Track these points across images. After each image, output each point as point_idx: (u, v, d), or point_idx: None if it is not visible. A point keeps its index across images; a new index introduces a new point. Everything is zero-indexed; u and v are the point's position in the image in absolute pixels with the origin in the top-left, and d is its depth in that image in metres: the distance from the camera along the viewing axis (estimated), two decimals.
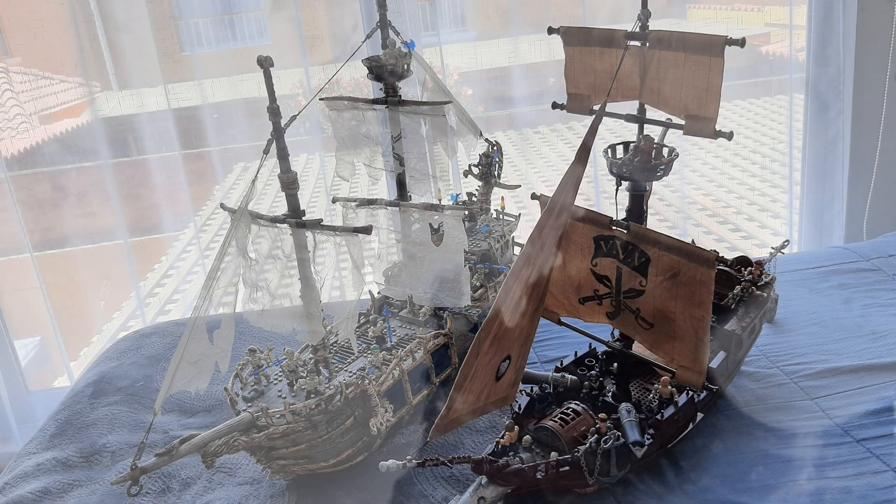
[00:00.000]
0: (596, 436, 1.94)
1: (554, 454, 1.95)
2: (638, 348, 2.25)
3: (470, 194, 3.13)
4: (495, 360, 1.85)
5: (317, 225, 1.96)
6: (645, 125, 2.12)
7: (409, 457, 1.76)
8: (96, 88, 4.03)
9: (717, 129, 1.94)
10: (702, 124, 1.96)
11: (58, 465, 2.44)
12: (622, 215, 2.12)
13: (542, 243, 1.80)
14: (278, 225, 2.00)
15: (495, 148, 3.03)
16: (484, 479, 1.90)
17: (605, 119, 1.89)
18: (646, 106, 2.11)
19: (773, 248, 2.84)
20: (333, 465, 2.18)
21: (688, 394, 2.17)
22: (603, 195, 4.28)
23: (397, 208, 2.57)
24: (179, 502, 2.22)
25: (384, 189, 3.79)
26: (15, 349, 4.14)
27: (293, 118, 1.95)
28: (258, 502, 2.18)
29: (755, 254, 3.45)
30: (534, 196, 2.12)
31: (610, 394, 2.21)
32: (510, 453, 1.97)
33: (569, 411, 2.06)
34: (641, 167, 2.05)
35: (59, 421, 2.69)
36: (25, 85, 4.07)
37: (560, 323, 2.33)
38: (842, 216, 4.25)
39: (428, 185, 2.65)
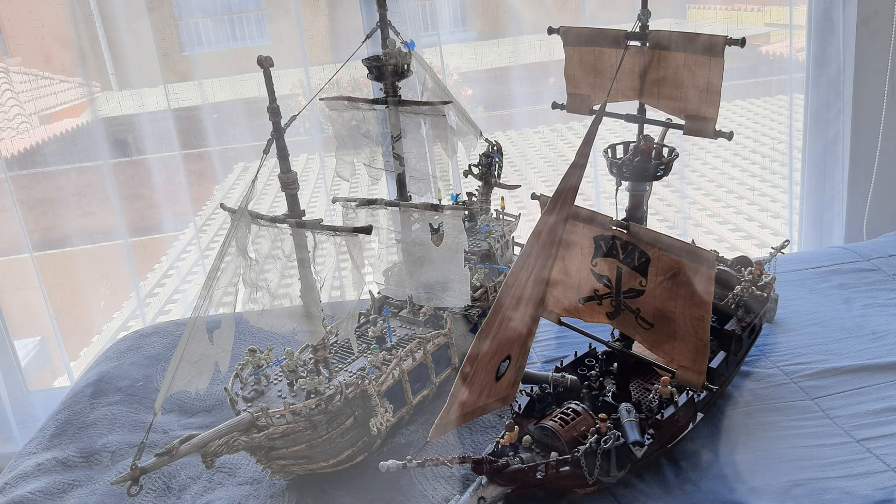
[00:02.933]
0: (596, 436, 1.94)
1: (554, 454, 1.95)
2: (638, 348, 2.25)
3: (470, 194, 3.13)
4: (495, 360, 1.85)
5: (317, 225, 1.96)
6: (645, 125, 2.12)
7: (409, 457, 1.76)
8: (96, 88, 4.03)
9: (717, 129, 1.94)
10: (702, 124, 1.96)
11: (58, 465, 2.44)
12: (622, 215, 2.12)
13: (542, 243, 1.80)
14: (278, 225, 2.00)
15: (495, 148, 3.03)
16: (484, 479, 1.90)
17: (605, 119, 1.89)
18: (646, 106, 2.11)
19: (773, 248, 2.84)
20: (333, 465, 2.18)
21: (688, 394, 2.17)
22: (603, 195, 4.28)
23: (397, 208, 2.57)
24: (179, 502, 2.22)
25: (384, 189, 3.79)
26: (15, 349, 4.14)
27: (293, 118, 1.95)
28: (258, 502, 2.18)
29: (755, 254, 3.45)
30: (534, 196, 2.12)
31: (610, 394, 2.21)
32: (510, 453, 1.96)
33: (569, 411, 2.06)
34: (641, 167, 2.05)
35: (59, 421, 2.69)
36: (25, 85, 4.07)
37: (560, 323, 2.33)
38: (842, 216, 4.25)
39: (428, 185, 2.65)
